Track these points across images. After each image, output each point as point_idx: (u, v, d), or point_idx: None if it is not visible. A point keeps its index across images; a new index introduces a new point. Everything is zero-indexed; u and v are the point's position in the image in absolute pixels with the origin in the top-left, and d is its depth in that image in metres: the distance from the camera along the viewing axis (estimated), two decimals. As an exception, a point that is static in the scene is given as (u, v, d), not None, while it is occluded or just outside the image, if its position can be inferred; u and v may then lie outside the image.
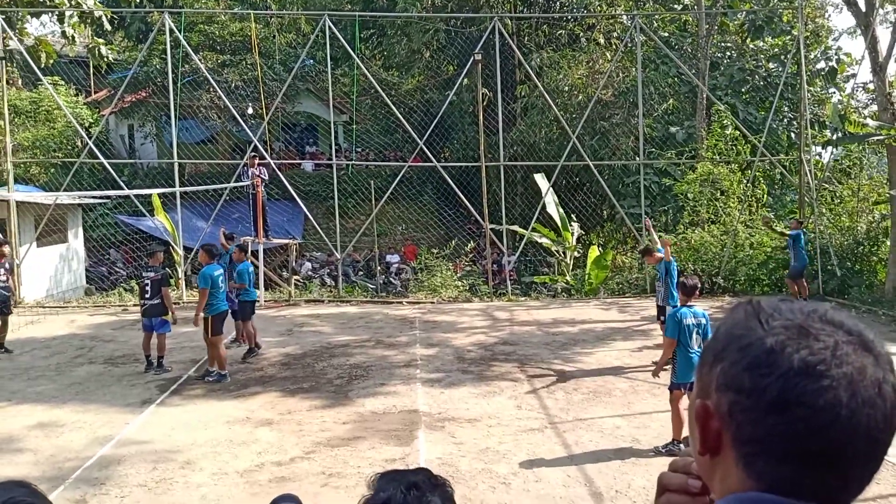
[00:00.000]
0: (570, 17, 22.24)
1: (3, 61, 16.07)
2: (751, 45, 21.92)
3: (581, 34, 22.03)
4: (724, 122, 17.60)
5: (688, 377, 6.54)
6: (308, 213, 17.39)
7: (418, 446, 6.87)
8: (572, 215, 18.00)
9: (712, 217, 16.78)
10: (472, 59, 16.21)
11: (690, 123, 19.53)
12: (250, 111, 20.76)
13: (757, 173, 17.28)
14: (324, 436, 7.18)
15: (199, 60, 18.35)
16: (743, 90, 20.68)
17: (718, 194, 16.71)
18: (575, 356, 10.27)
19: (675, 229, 17.06)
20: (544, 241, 17.47)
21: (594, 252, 16.92)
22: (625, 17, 20.70)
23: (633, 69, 18.35)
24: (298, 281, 17.31)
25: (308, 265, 19.96)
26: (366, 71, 17.55)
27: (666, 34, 21.10)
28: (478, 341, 11.39)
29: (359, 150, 23.75)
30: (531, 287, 17.18)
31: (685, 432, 6.02)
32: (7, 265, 11.18)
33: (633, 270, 16.82)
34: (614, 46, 20.52)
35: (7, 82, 16.78)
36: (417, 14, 21.24)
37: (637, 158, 17.10)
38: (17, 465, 6.47)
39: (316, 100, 23.81)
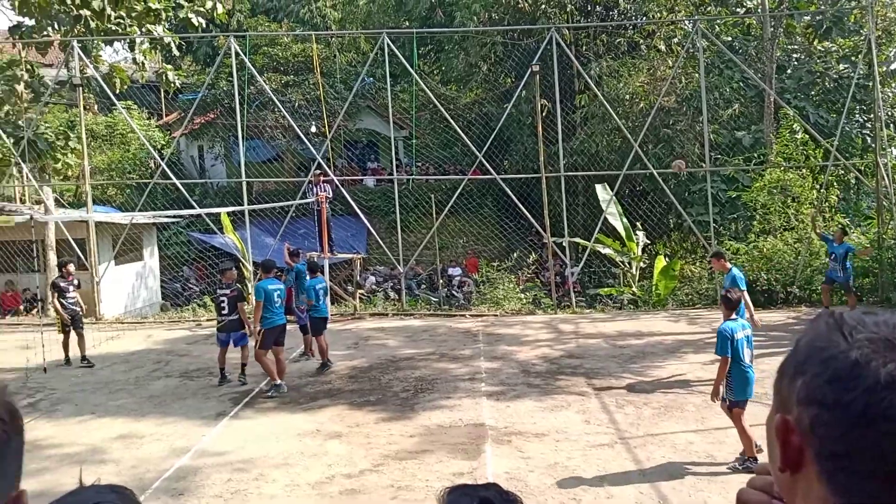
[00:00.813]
0: (629, 25, 21.98)
1: (80, 88, 16.92)
2: (819, 47, 21.19)
3: (641, 41, 21.73)
4: (794, 125, 17.02)
5: (745, 393, 6.40)
6: (370, 227, 17.64)
7: (485, 460, 6.85)
8: (637, 224, 17.69)
9: (784, 224, 16.21)
10: (529, 70, 16.20)
11: (758, 128, 18.97)
12: (313, 130, 21.25)
13: (830, 178, 16.63)
14: (392, 449, 7.24)
15: (264, 82, 18.90)
16: (812, 93, 19.98)
17: (790, 201, 16.15)
18: (644, 370, 10.06)
19: (745, 238, 16.55)
20: (608, 251, 17.22)
21: (661, 262, 16.57)
22: (686, 22, 20.31)
23: (696, 74, 17.97)
24: (363, 295, 17.55)
25: (372, 279, 20.22)
26: (424, 86, 17.73)
27: (729, 38, 20.60)
28: (543, 354, 11.29)
29: (419, 164, 24.00)
30: (596, 299, 16.94)
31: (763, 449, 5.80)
32: (76, 282, 11.76)
33: (703, 280, 16.38)
34: (676, 52, 20.15)
35: (84, 108, 17.65)
36: (474, 28, 21.37)
37: (703, 165, 16.70)
38: (100, 475, 6.73)
39: (376, 116, 24.21)
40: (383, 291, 18.76)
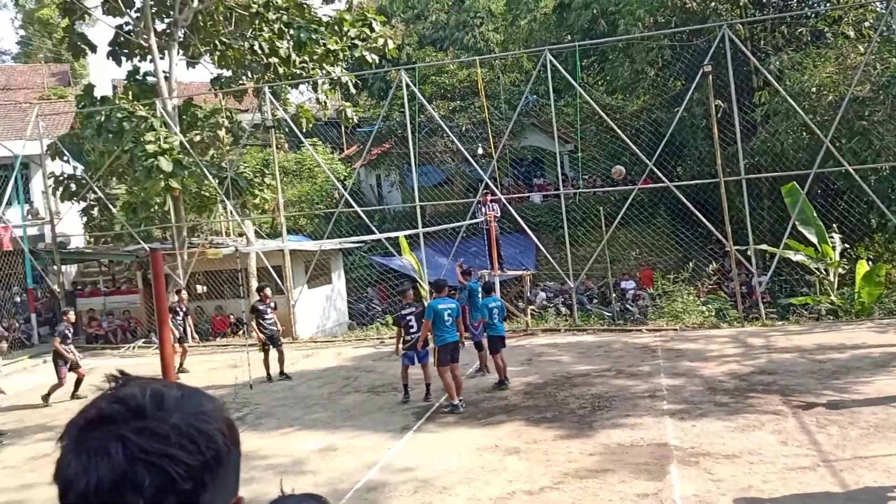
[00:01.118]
0: (811, 14, 20.29)
1: (272, 129, 18.66)
2: None
3: (826, 29, 19.96)
4: None
5: None
6: (539, 243, 17.66)
7: (671, 482, 6.57)
8: (833, 226, 16.14)
9: None
10: (701, 71, 15.46)
11: (975, 112, 16.64)
12: (480, 151, 21.76)
13: None
14: (571, 466, 7.17)
15: (433, 109, 19.70)
16: None
17: None
18: (848, 386, 9.13)
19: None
20: (800, 257, 15.84)
21: (863, 267, 14.98)
22: (878, 3, 18.37)
23: (894, 59, 16.16)
24: (534, 311, 17.58)
25: (542, 295, 20.20)
26: (588, 98, 17.53)
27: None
28: (730, 370, 10.63)
29: (585, 177, 23.68)
30: (789, 310, 15.64)
31: None
32: (273, 305, 12.96)
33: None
34: (867, 37, 18.27)
35: (276, 147, 19.43)
36: (640, 34, 20.80)
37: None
38: (299, 485, 7.32)
39: (540, 133, 24.30)
40: (554, 307, 18.65)
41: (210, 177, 17.75)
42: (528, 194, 24.28)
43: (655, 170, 15.93)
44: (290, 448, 8.64)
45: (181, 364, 13.54)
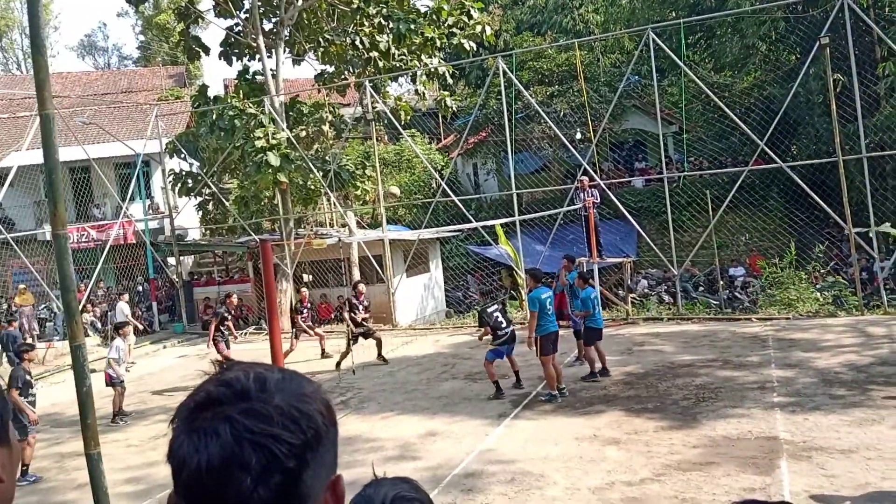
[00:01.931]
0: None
1: (373, 122, 19.06)
2: None
3: (963, -11, 18.22)
4: None
5: None
6: (640, 229, 17.18)
7: (780, 476, 6.29)
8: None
9: None
10: (817, 43, 14.49)
11: None
12: (578, 136, 21.38)
13: None
14: (673, 458, 6.99)
15: (530, 96, 19.54)
16: None
17: None
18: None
19: None
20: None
21: None
22: None
23: None
24: (635, 299, 17.15)
25: (644, 283, 19.66)
26: (694, 77, 16.82)
27: None
28: (847, 361, 9.99)
29: (691, 159, 22.78)
30: (917, 297, 14.50)
31: None
32: (366, 303, 13.54)
33: None
34: None
35: (376, 139, 19.87)
36: (750, 7, 19.71)
37: None
38: (401, 468, 7.53)
39: (642, 115, 23.58)
40: (657, 295, 18.10)
41: (315, 170, 18.40)
42: (629, 179, 23.64)
43: (767, 150, 15.12)
44: (391, 432, 8.89)
45: (323, 350, 14.49)
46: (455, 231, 20.83)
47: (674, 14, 24.98)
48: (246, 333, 18.69)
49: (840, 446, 6.82)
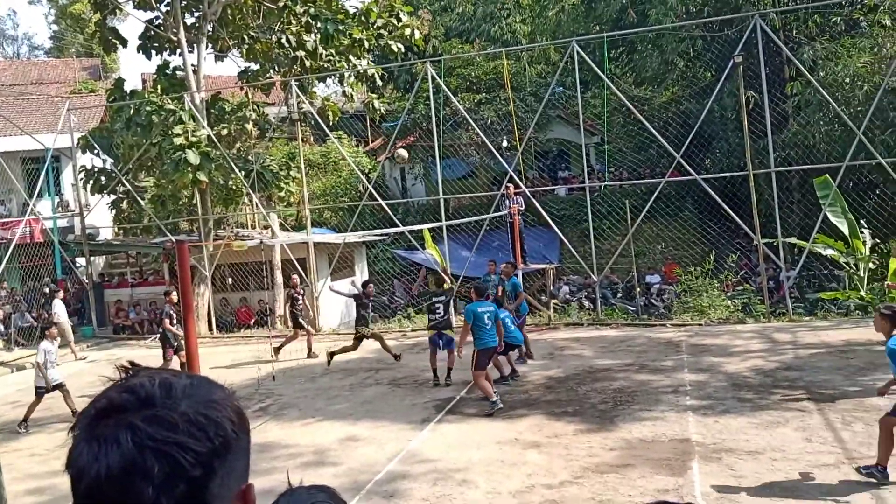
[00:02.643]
0: (845, 2, 19.81)
1: (299, 122, 18.75)
2: None
3: (861, 18, 19.49)
4: None
5: None
6: (563, 236, 17.55)
7: (692, 477, 6.51)
8: (861, 221, 15.78)
9: None
10: (731, 61, 15.19)
11: None
12: (505, 144, 21.67)
13: None
14: (592, 461, 7.14)
15: (458, 102, 19.65)
16: None
17: None
18: (875, 383, 8.92)
19: None
20: (830, 252, 15.54)
21: (895, 262, 14.65)
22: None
23: (933, 47, 15.73)
24: (557, 305, 17.49)
25: (566, 289, 20.08)
26: (615, 90, 17.32)
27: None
28: (755, 366, 10.48)
29: (612, 170, 23.45)
30: (817, 305, 15.37)
31: None
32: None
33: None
34: (905, 25, 17.80)
35: (302, 140, 19.55)
36: (671, 24, 20.48)
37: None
38: (321, 475, 7.39)
39: (567, 125, 24.11)
40: (577, 301, 18.53)
41: (236, 170, 17.93)
42: (552, 187, 24.13)
43: (683, 162, 15.72)
44: (311, 439, 8.72)
45: (310, 349, 13.99)
46: (382, 235, 20.71)
47: (598, 28, 25.70)
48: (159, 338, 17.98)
49: (748, 448, 7.13)
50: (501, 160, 18.32)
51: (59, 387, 10.51)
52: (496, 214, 16.64)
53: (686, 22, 20.64)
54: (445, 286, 12.42)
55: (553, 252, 20.79)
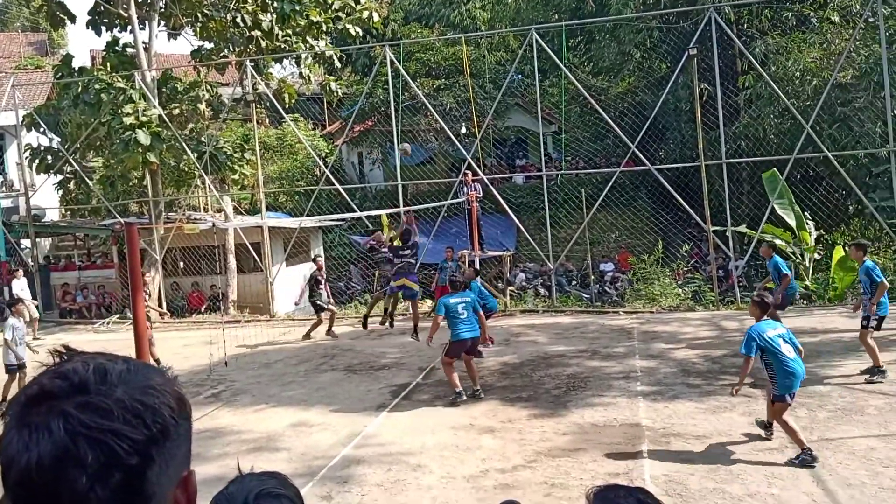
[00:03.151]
0: (797, -2, 20.28)
1: (254, 104, 18.39)
2: None
3: (811, 14, 20.00)
4: None
5: (787, 388, 6.55)
6: (520, 224, 17.66)
7: (642, 461, 6.65)
8: (806, 213, 16.28)
9: None
10: (686, 54, 15.45)
11: (956, 100, 16.79)
12: (464, 131, 21.65)
13: None
14: (545, 446, 7.23)
15: (417, 87, 19.55)
16: None
17: None
18: (819, 369, 9.27)
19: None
20: (778, 242, 15.99)
21: (839, 253, 15.16)
22: (865, -12, 18.38)
23: (877, 45, 16.24)
24: (513, 292, 17.62)
25: (522, 276, 20.25)
26: (573, 79, 17.44)
27: (919, 1, 18.38)
28: (703, 353, 10.74)
29: (568, 158, 23.67)
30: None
31: None
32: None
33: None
34: (853, 23, 18.33)
35: (257, 122, 19.18)
36: (628, 15, 20.69)
37: (887, 145, 15.07)
38: (274, 461, 7.32)
39: (525, 113, 24.22)
40: (533, 288, 18.71)
41: (189, 151, 17.52)
42: (510, 175, 24.24)
43: (638, 152, 15.95)
44: (264, 424, 8.63)
45: (330, 327, 13.83)
46: (338, 220, 20.53)
47: (557, 17, 25.80)
48: (109, 323, 17.55)
49: (696, 432, 7.31)
50: (460, 147, 18.31)
51: (21, 367, 10.19)
52: (454, 201, 16.64)
53: (643, 13, 20.87)
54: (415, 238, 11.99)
55: (510, 239, 20.93)
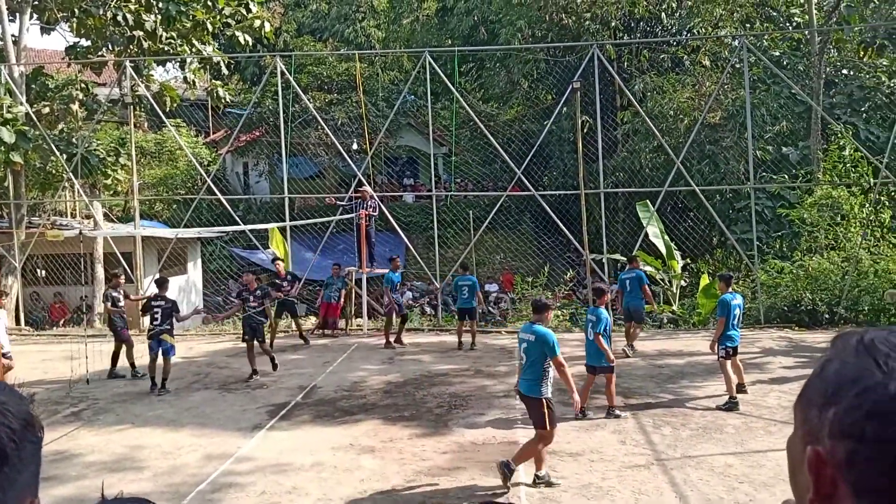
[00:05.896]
0: (673, 41, 21.79)
1: (132, 106, 17.46)
2: (869, 62, 20.66)
3: (685, 57, 21.51)
4: (843, 142, 16.57)
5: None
6: (409, 243, 17.72)
7: (518, 479, 6.76)
8: (674, 243, 17.39)
9: (832, 243, 15.76)
10: (570, 87, 16.15)
11: (805, 144, 18.55)
12: (355, 147, 21.55)
13: (881, 196, 16.12)
14: (424, 465, 7.21)
15: (308, 100, 19.25)
16: (863, 109, 19.45)
17: (839, 219, 15.70)
18: (683, 390, 9.85)
19: (791, 256, 16.14)
20: (648, 269, 16.94)
21: (705, 280, 16.25)
22: (731, 38, 20.03)
23: (742, 90, 17.69)
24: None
25: (409, 294, 20.28)
26: (465, 104, 17.81)
27: (777, 53, 20.23)
28: (579, 372, 11.10)
29: (458, 180, 24.07)
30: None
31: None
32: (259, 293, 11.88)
33: (747, 300, 15.99)
34: (721, 68, 19.89)
35: (134, 125, 18.20)
36: (517, 46, 21.42)
37: (748, 182, 16.37)
38: (138, 483, 6.86)
39: (417, 134, 24.44)
40: (420, 307, 18.78)
41: (57, 152, 16.35)
42: (401, 193, 24.32)
43: (523, 178, 16.45)
44: (129, 446, 8.08)
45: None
46: (220, 233, 19.77)
47: (450, 42, 26.35)
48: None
49: (569, 450, 7.54)
50: (350, 163, 18.17)
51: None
52: (345, 216, 16.44)
53: (531, 45, 21.69)
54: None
55: (399, 258, 20.92)
